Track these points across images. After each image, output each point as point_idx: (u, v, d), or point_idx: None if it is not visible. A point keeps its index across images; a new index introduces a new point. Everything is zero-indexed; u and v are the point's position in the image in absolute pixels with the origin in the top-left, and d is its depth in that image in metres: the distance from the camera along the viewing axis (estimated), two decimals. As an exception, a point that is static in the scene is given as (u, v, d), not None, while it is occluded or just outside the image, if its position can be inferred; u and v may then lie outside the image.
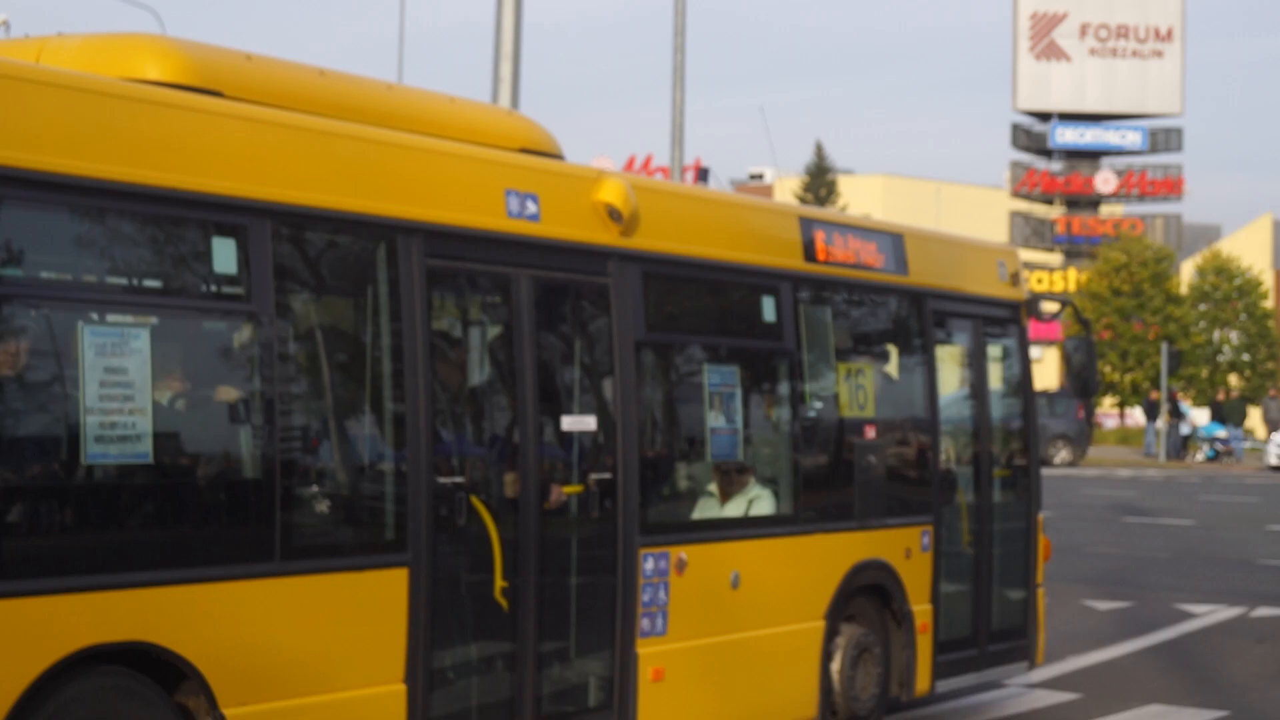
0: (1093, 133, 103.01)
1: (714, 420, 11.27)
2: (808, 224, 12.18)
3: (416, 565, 8.85)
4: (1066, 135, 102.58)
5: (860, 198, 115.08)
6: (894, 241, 13.23)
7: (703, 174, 72.47)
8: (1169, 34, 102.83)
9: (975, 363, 14.20)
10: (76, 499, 7.54)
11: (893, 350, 13.65)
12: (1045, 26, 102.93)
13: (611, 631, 10.18)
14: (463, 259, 9.51)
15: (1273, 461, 55.79)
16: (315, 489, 8.62)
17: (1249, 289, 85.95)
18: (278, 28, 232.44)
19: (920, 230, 14.20)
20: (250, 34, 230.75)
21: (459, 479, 9.29)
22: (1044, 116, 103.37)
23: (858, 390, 12.76)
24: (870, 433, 12.69)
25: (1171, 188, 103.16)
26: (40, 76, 7.70)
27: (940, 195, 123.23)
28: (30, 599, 7.17)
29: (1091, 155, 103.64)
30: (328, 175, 8.73)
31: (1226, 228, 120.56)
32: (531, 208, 9.84)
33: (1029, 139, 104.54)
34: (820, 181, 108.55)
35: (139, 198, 7.86)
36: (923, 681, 13.06)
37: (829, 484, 12.42)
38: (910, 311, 13.40)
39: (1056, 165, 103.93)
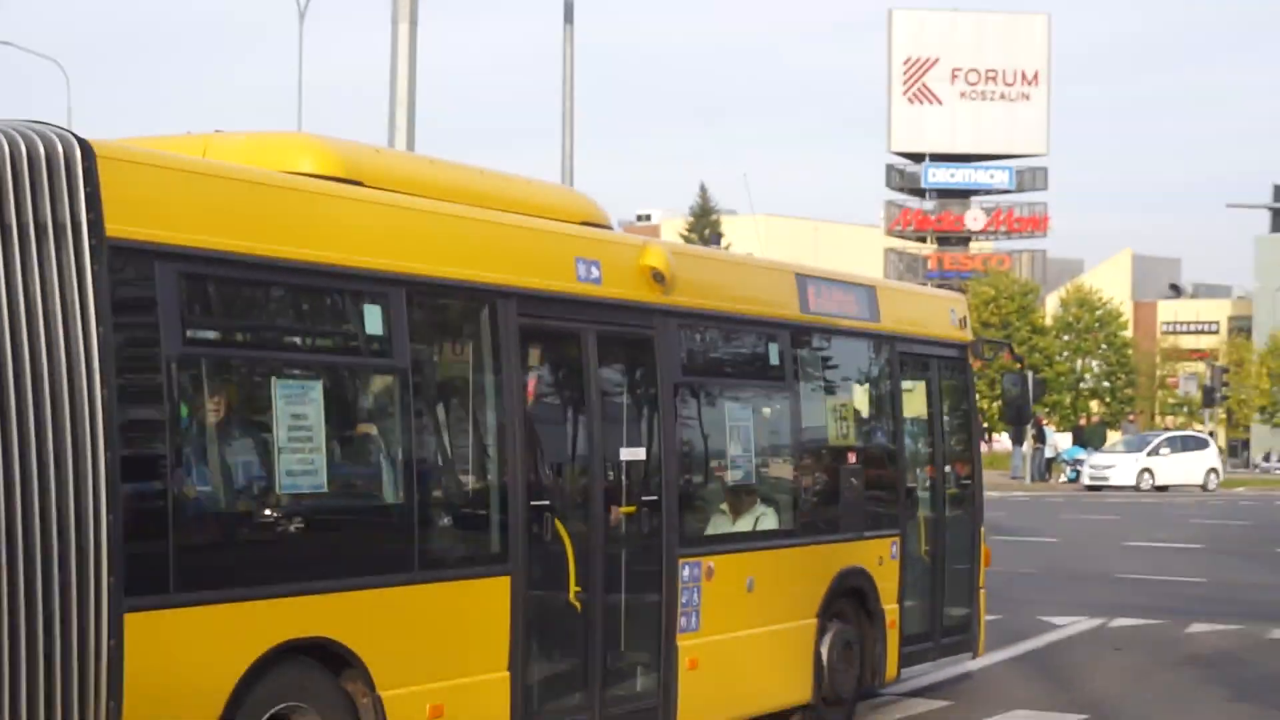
0: (963, 173, 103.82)
1: (733, 449, 12.76)
2: (801, 280, 13.50)
3: (516, 574, 10.09)
4: (938, 175, 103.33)
5: (742, 237, 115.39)
6: (869, 293, 14.84)
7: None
8: (1035, 78, 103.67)
9: (932, 396, 15.80)
10: (272, 521, 8.76)
11: (868, 386, 15.11)
12: (918, 71, 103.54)
13: (658, 628, 11.52)
14: (546, 317, 10.76)
15: (1086, 481, 57.16)
16: (443, 511, 9.98)
17: (1109, 320, 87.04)
18: (175, 78, 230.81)
19: (889, 283, 16.74)
20: (147, 83, 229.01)
21: (546, 502, 10.55)
22: (917, 157, 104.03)
23: (841, 421, 14.45)
24: (852, 458, 14.27)
25: (1037, 225, 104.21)
26: (225, 173, 8.77)
27: (818, 234, 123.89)
28: (243, 603, 8.37)
29: (962, 194, 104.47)
30: (445, 250, 9.95)
31: (1088, 262, 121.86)
32: (595, 273, 11.14)
33: (903, 179, 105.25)
34: (705, 221, 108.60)
35: (307, 273, 9.01)
36: (891, 670, 14.54)
37: (821, 502, 13.99)
38: (882, 353, 14.95)
39: (929, 204, 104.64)
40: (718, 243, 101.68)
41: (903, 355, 15.08)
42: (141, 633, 7.75)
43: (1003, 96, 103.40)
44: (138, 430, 7.95)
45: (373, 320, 9.48)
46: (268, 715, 8.48)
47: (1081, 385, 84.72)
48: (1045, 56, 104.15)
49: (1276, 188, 56.21)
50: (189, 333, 8.29)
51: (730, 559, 12.32)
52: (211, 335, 8.71)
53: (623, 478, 11.33)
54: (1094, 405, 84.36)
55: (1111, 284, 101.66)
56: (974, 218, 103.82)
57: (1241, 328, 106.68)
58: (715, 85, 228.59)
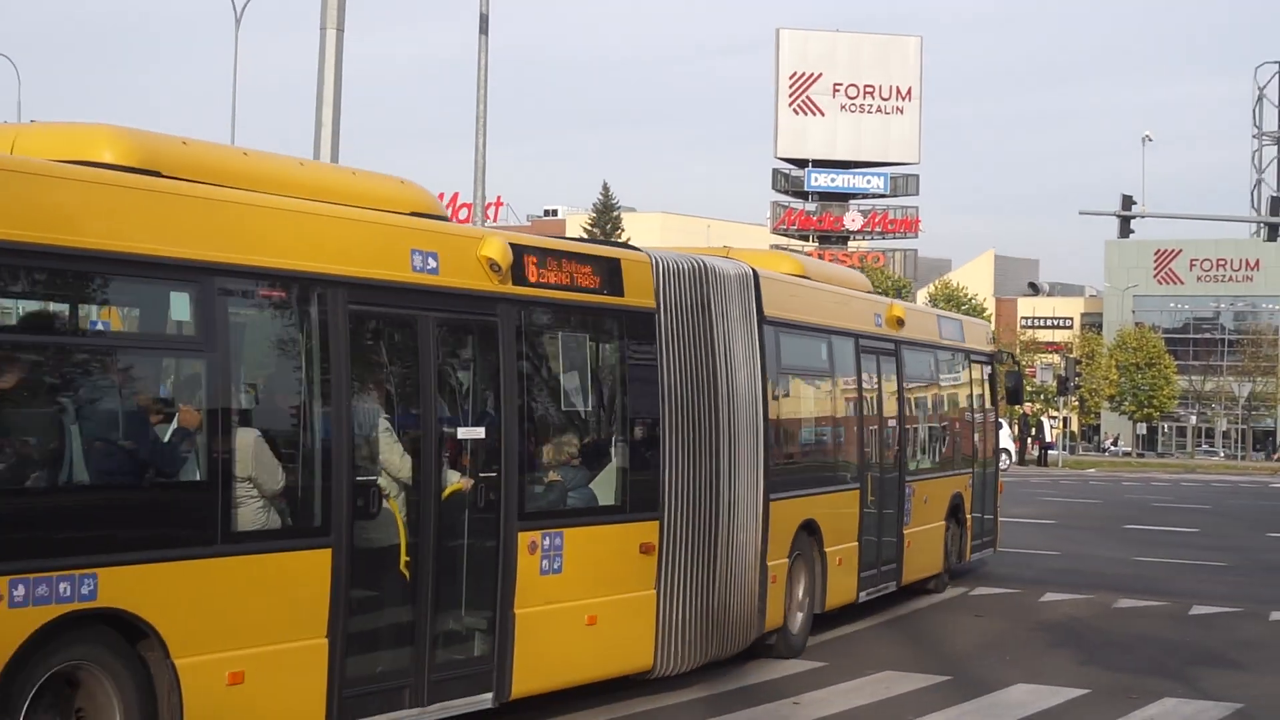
0: (842, 178, 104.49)
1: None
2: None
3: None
4: (820, 180, 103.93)
5: (641, 232, 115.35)
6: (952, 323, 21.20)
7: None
8: (908, 94, 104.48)
9: (977, 389, 22.00)
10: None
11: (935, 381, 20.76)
12: (802, 85, 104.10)
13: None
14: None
15: None
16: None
17: (974, 314, 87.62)
18: (122, 80, 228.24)
19: (966, 318, 23.00)
20: (99, 84, 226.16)
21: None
22: (801, 163, 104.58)
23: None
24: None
25: (909, 226, 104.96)
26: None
27: (710, 231, 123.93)
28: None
29: (841, 198, 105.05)
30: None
31: (955, 261, 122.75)
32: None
33: (788, 183, 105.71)
34: (606, 218, 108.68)
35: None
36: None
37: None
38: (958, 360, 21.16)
39: (811, 206, 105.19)
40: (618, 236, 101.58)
41: (972, 362, 21.51)
42: None
43: (879, 110, 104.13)
44: None
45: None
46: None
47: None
48: (917, 74, 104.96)
49: (1124, 197, 56.63)
50: None
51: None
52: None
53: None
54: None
55: (976, 282, 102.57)
56: (852, 219, 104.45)
57: (1093, 324, 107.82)
58: (620, 94, 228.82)
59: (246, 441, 9.37)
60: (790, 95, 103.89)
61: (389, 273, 10.41)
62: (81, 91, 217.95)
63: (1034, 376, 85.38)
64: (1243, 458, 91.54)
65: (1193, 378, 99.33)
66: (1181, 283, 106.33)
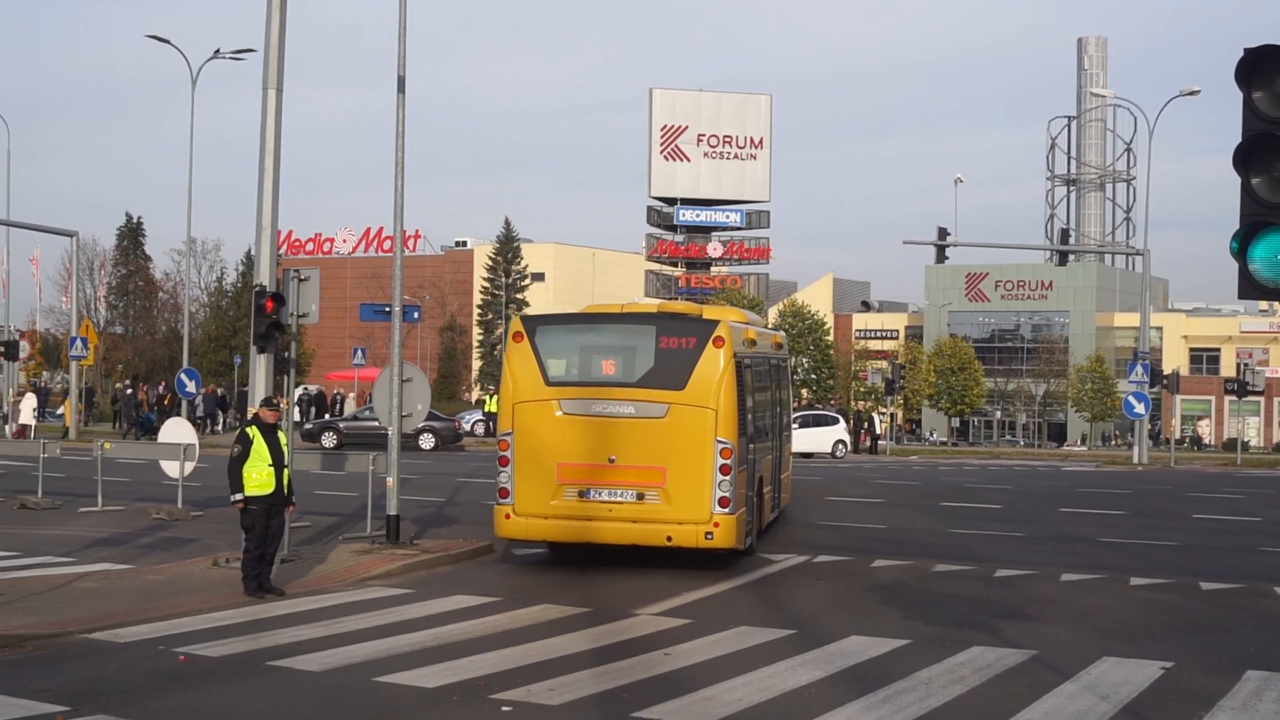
0: (706, 213, 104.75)
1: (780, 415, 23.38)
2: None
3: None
4: (687, 215, 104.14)
5: (538, 260, 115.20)
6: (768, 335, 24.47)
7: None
8: (761, 142, 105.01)
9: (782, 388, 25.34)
10: None
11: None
12: (671, 136, 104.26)
13: None
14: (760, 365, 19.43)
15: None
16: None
17: (816, 328, 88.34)
18: (83, 130, 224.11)
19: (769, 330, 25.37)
20: (76, 138, 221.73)
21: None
22: (671, 201, 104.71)
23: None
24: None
25: (761, 254, 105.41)
26: None
27: (596, 259, 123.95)
28: None
29: (705, 230, 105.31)
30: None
31: (800, 283, 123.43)
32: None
33: (660, 217, 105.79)
34: (508, 248, 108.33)
35: None
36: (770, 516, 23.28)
37: None
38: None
39: (680, 237, 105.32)
40: (517, 264, 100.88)
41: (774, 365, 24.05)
42: None
43: (735, 156, 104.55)
44: None
45: None
46: None
47: (795, 378, 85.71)
48: (768, 126, 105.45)
49: (940, 229, 57.24)
50: None
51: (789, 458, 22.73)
52: None
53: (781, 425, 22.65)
54: (805, 393, 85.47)
55: (817, 300, 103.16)
56: (714, 248, 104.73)
57: (915, 335, 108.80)
58: (520, 142, 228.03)
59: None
60: (661, 144, 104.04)
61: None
62: (61, 145, 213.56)
63: (866, 379, 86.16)
64: (1039, 446, 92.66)
65: (997, 379, 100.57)
66: (988, 300, 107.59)
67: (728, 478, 18.56)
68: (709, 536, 18.52)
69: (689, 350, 18.90)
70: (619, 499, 18.69)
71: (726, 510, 18.55)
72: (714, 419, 18.61)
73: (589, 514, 18.72)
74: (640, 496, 18.64)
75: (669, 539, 18.59)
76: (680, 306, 20.32)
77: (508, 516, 19.07)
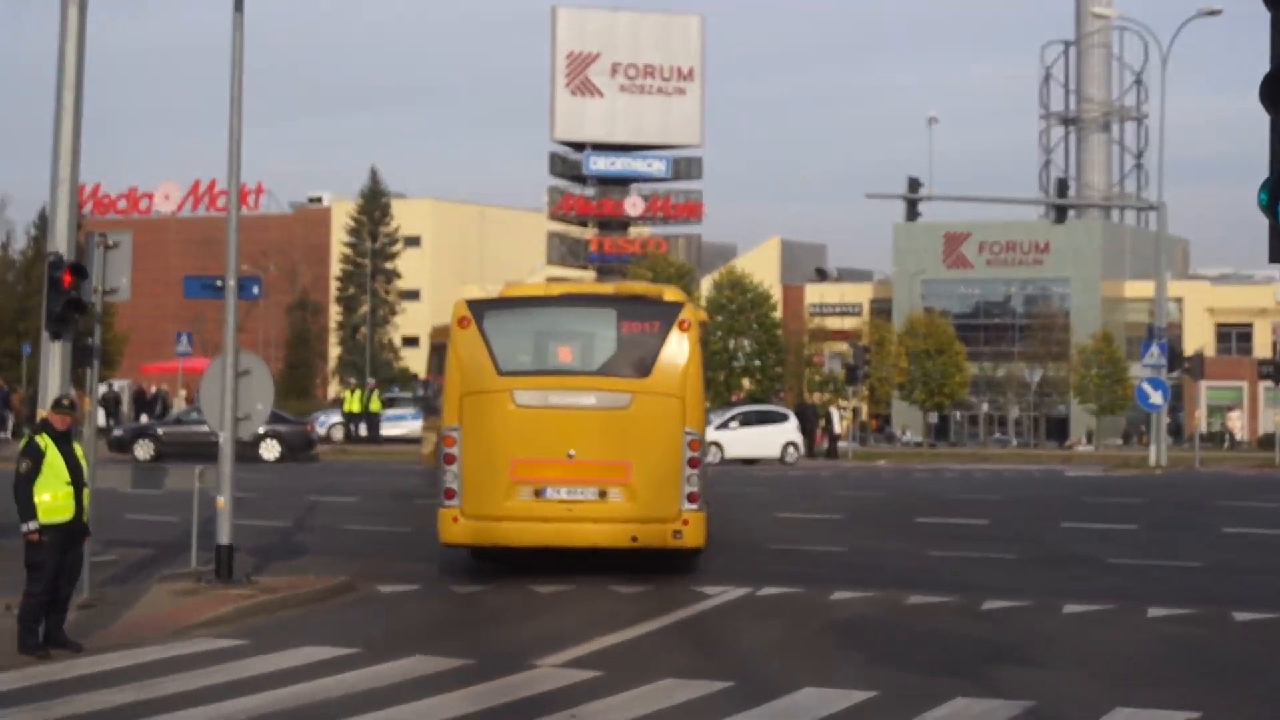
0: (622, 161, 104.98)
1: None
2: None
3: None
4: (599, 164, 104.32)
5: (412, 219, 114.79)
6: None
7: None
8: (690, 74, 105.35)
9: None
10: None
11: None
12: (580, 65, 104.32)
13: None
14: None
15: None
16: None
17: (760, 302, 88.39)
18: None
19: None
20: None
21: None
22: (579, 146, 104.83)
23: None
24: None
25: (692, 211, 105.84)
26: None
27: (485, 218, 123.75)
28: None
29: (621, 182, 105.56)
30: None
31: (741, 247, 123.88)
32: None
33: (565, 166, 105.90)
34: (375, 205, 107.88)
35: None
36: None
37: None
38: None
39: (590, 191, 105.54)
40: (386, 224, 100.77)
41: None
42: None
43: (660, 90, 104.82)
44: None
45: None
46: None
47: (734, 364, 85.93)
48: (699, 54, 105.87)
49: (911, 180, 57.77)
50: None
51: None
52: None
53: None
54: (746, 383, 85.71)
55: (762, 268, 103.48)
56: (633, 204, 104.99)
57: (882, 309, 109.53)
58: (387, 73, 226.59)
59: None
60: (568, 75, 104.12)
61: None
62: None
63: (822, 365, 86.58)
64: (1035, 446, 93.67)
65: (984, 364, 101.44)
66: (971, 266, 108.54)
67: (696, 471, 20.91)
68: (678, 535, 20.89)
69: (653, 335, 21.21)
70: (579, 497, 20.86)
71: (695, 506, 20.91)
72: (681, 408, 20.99)
73: (546, 514, 20.83)
74: (602, 494, 20.86)
75: (634, 539, 20.88)
76: (640, 287, 23.16)
77: (455, 520, 20.96)
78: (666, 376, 20.98)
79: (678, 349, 21.11)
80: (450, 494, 20.91)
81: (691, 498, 20.84)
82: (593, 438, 20.83)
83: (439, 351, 40.29)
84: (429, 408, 40.60)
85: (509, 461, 20.77)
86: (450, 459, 20.93)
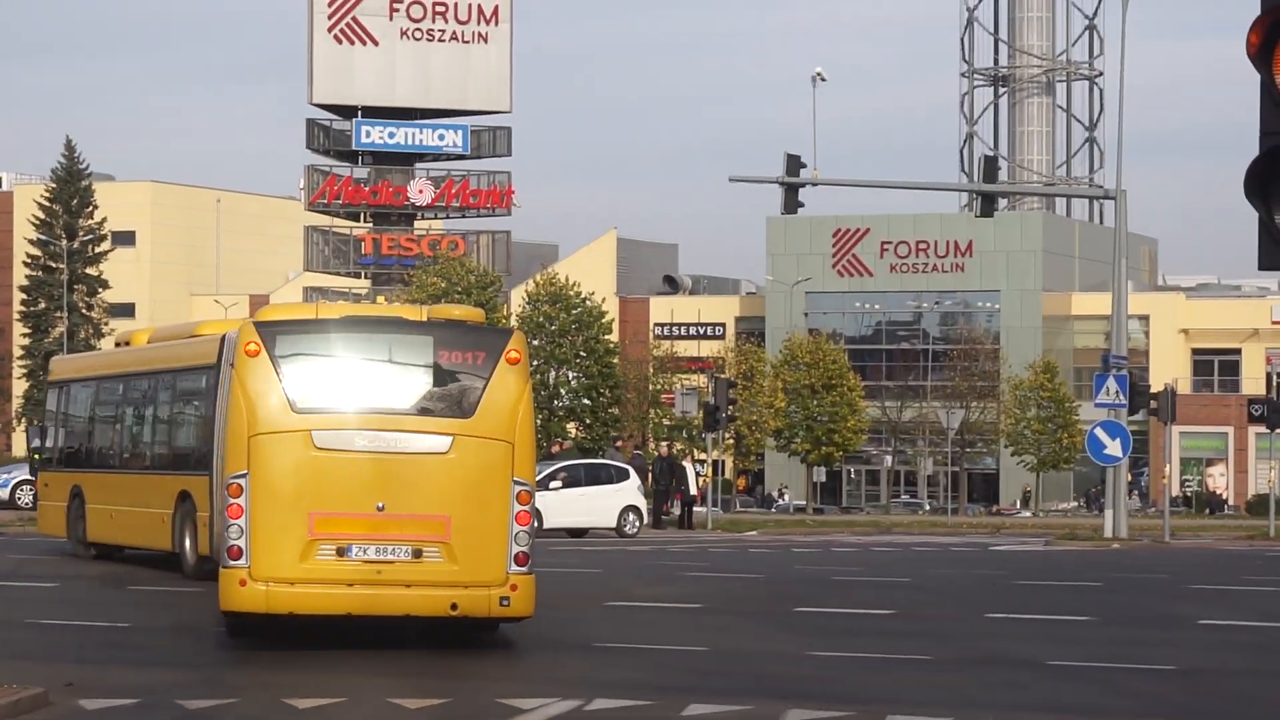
0: (405, 132, 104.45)
1: None
2: None
3: None
4: (373, 135, 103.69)
5: (123, 208, 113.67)
6: None
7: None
8: (495, 14, 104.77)
9: None
10: None
11: None
12: (347, 2, 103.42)
13: None
14: None
15: None
16: None
17: (590, 321, 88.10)
18: None
19: None
20: None
21: None
22: (347, 112, 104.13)
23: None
24: None
25: (499, 199, 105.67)
26: None
27: (223, 206, 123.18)
28: None
29: (404, 159, 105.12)
30: None
31: (564, 248, 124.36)
32: None
33: (328, 139, 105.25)
34: (72, 189, 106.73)
35: None
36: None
37: None
38: None
39: (362, 171, 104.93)
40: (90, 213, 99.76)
41: None
42: None
43: (455, 37, 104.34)
44: None
45: None
46: None
47: (555, 403, 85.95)
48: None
49: (790, 158, 57.83)
50: None
51: None
52: None
53: None
54: (572, 428, 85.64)
55: (593, 275, 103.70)
56: (419, 189, 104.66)
57: (753, 331, 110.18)
58: (89, 9, 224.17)
59: None
60: (330, 16, 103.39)
61: None
62: None
63: (673, 405, 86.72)
64: (955, 512, 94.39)
65: (886, 404, 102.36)
66: (870, 274, 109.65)
67: (526, 528, 22.70)
68: (505, 603, 22.65)
69: (477, 368, 23.14)
70: (390, 557, 22.48)
71: (525, 569, 22.73)
72: (509, 454, 22.67)
73: (351, 578, 22.41)
74: (417, 554, 22.50)
75: (454, 607, 22.57)
76: (459, 311, 25.09)
77: (242, 584, 22.33)
78: (493, 417, 22.70)
79: (506, 385, 22.88)
80: (236, 553, 22.24)
81: (520, 559, 22.57)
82: (406, 488, 22.59)
83: (61, 391, 40.54)
84: (45, 462, 42.03)
85: (307, 515, 22.31)
86: (236, 512, 22.26)
